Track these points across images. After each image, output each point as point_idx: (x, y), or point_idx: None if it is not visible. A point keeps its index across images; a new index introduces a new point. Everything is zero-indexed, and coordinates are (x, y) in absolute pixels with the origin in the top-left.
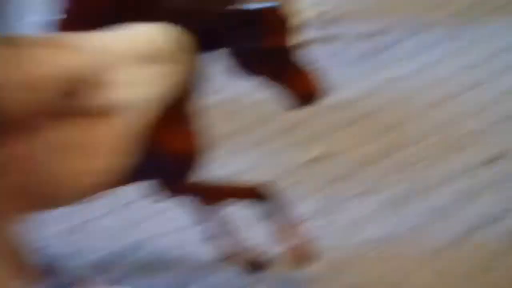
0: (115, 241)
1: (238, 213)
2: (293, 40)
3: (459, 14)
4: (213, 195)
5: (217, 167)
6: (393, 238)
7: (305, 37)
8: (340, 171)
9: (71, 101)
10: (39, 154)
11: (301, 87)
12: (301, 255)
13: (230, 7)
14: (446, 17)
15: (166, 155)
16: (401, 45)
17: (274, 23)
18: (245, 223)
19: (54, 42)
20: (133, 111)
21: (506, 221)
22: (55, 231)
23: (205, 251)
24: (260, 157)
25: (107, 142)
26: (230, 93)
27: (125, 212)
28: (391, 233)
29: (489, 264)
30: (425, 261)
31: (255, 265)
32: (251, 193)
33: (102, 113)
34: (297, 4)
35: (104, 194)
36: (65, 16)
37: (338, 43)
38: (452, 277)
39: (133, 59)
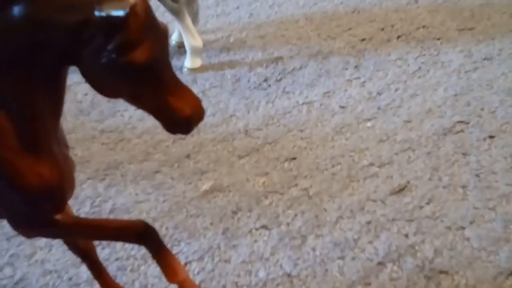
0: None
1: (134, 249)
2: (165, 53)
3: (361, 42)
4: (84, 233)
5: (106, 200)
6: (295, 276)
7: (200, 63)
8: (237, 203)
9: None
10: None
11: (182, 108)
12: None
13: (85, 15)
14: (347, 45)
15: (29, 186)
16: (304, 71)
17: (143, 32)
18: (136, 260)
19: None
20: None
21: (419, 253)
22: None
23: None
24: (152, 188)
25: None
26: (120, 119)
27: (6, 246)
28: (292, 271)
29: None
30: None
31: None
32: (126, 232)
33: None
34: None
35: None
36: None
37: (238, 68)
38: None
39: None
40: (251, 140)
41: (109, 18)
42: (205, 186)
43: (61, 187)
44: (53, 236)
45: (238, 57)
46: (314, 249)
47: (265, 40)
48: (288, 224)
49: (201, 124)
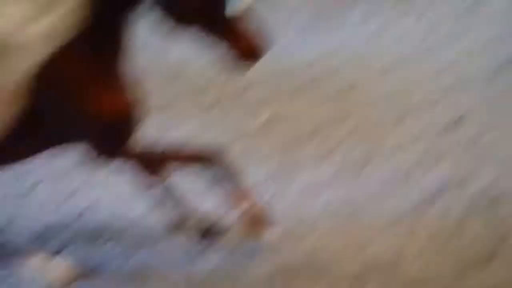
0: (56, 210)
1: (189, 179)
2: None
3: None
4: (160, 160)
5: (164, 133)
6: (351, 204)
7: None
8: (293, 135)
9: None
10: None
11: (242, 41)
12: (254, 223)
13: None
14: None
15: (93, 116)
16: (350, 11)
17: None
18: (197, 189)
19: None
20: (30, 51)
21: (469, 186)
22: None
23: (153, 219)
24: (208, 122)
25: (5, 85)
26: (176, 56)
27: (66, 180)
28: (348, 200)
29: (452, 230)
30: (387, 227)
31: (207, 233)
32: (199, 159)
33: None
34: None
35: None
36: None
37: (289, 7)
38: (416, 243)
39: None
40: (308, 72)
41: None
42: (264, 117)
43: (132, 115)
44: (124, 161)
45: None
46: (372, 177)
47: None
48: (346, 153)
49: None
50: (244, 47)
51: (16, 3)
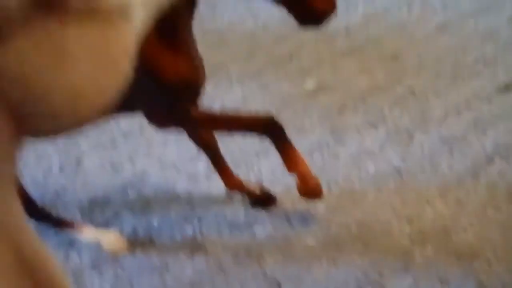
0: (112, 176)
1: (242, 145)
2: None
3: None
4: (215, 124)
5: (211, 98)
6: (399, 174)
7: None
8: (344, 101)
9: None
10: (34, 59)
11: (316, 1)
12: (307, 189)
13: None
14: None
15: (165, 78)
16: None
17: None
18: (250, 155)
19: None
20: (141, 13)
21: None
22: (44, 168)
23: (211, 184)
24: (256, 88)
25: (115, 51)
26: (221, 22)
27: (122, 145)
28: (397, 170)
29: (502, 199)
30: (436, 197)
31: (261, 200)
32: (255, 124)
33: (114, 13)
34: None
35: (102, 120)
36: None
37: None
38: (466, 214)
39: None
40: (353, 39)
41: None
42: (310, 84)
43: (197, 81)
44: (188, 127)
45: None
46: (421, 145)
47: None
48: (394, 121)
49: None
50: (319, 5)
51: None
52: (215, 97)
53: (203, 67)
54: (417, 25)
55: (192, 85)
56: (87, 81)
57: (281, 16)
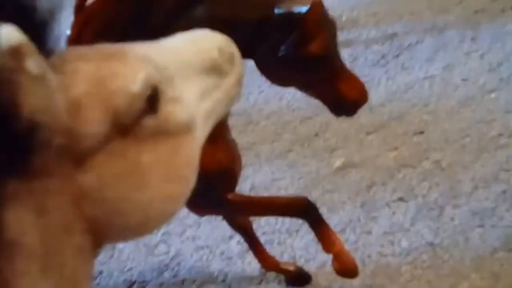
0: (146, 257)
1: (278, 224)
2: (335, 43)
3: (474, 15)
4: (251, 210)
5: (241, 179)
6: (433, 249)
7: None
8: (372, 177)
9: (150, 120)
10: (113, 181)
11: (351, 93)
12: (344, 268)
13: (266, 13)
14: (460, 17)
15: (205, 170)
16: (421, 46)
17: (318, 26)
18: (282, 233)
19: (112, 53)
20: (201, 127)
21: None
22: None
23: (245, 264)
24: (286, 167)
25: (184, 163)
26: (249, 102)
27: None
28: (433, 240)
29: None
30: (471, 272)
31: (297, 278)
32: (291, 206)
33: (179, 131)
34: None
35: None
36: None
37: (354, 47)
38: (508, 279)
39: (192, 71)
40: (377, 116)
41: (290, 14)
42: (337, 162)
43: (233, 170)
44: (225, 213)
45: (352, 36)
46: (452, 219)
47: (377, 18)
48: (424, 195)
49: None
50: (352, 96)
51: (192, 82)
52: (245, 178)
53: (239, 155)
54: (439, 101)
55: (230, 174)
56: (158, 194)
57: (305, 96)
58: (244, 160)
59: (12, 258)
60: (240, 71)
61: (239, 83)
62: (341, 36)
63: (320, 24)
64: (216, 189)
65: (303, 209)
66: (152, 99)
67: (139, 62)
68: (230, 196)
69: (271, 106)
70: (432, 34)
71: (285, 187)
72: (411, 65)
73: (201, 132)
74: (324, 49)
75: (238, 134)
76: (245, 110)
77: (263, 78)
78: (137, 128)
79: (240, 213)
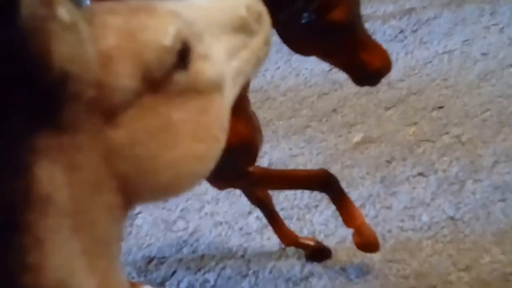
0: (165, 234)
1: (297, 199)
2: (358, 11)
3: None
4: (272, 183)
5: (263, 155)
6: (454, 224)
7: None
8: (391, 153)
9: (181, 76)
10: (144, 137)
11: (374, 62)
12: (365, 243)
13: None
14: None
15: (232, 141)
16: (439, 21)
17: None
18: (301, 209)
19: (141, 7)
20: (230, 88)
21: None
22: None
23: (264, 239)
24: (304, 143)
25: (214, 122)
26: (264, 80)
27: (174, 203)
28: (455, 215)
29: None
30: (493, 245)
31: (317, 253)
32: (312, 180)
33: (209, 90)
34: None
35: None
36: None
37: (371, 22)
38: None
39: (222, 28)
40: (395, 92)
41: None
42: (356, 138)
43: (254, 142)
44: (245, 186)
45: (369, 11)
46: (474, 193)
47: None
48: (444, 170)
49: (343, 78)
50: (377, 64)
51: (221, 40)
52: (263, 154)
53: (260, 128)
54: (459, 75)
55: (251, 146)
56: (189, 152)
57: (322, 72)
58: (264, 136)
59: (44, 214)
60: (268, 30)
61: (267, 42)
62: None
63: None
64: (236, 161)
65: (324, 182)
66: (183, 54)
67: (169, 16)
68: (250, 168)
69: (288, 82)
70: (450, 9)
71: (304, 163)
72: (429, 39)
73: (230, 92)
74: (347, 16)
75: (256, 111)
76: (262, 86)
77: (280, 54)
78: (167, 84)
79: (261, 186)
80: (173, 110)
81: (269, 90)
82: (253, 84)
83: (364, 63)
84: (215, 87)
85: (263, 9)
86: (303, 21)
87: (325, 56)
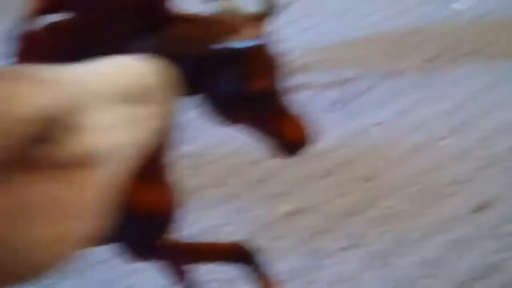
0: None
1: (217, 272)
2: (280, 82)
3: (429, 61)
4: (187, 256)
5: (188, 224)
6: None
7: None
8: (320, 224)
9: (44, 149)
10: (2, 217)
11: (291, 134)
12: None
13: (212, 46)
14: (416, 63)
15: (141, 212)
16: (373, 92)
17: (261, 63)
18: (225, 284)
19: (25, 75)
20: (114, 161)
21: (505, 271)
22: None
23: None
24: (232, 212)
25: (85, 200)
26: (198, 144)
27: (93, 273)
28: None
29: None
30: None
31: None
32: (230, 253)
33: (80, 163)
34: None
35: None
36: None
37: (308, 91)
38: None
39: (114, 98)
40: (327, 162)
41: (234, 49)
42: (285, 208)
43: (167, 212)
44: (159, 260)
45: (304, 81)
46: (401, 268)
47: (330, 63)
48: (371, 243)
49: None
50: (294, 137)
51: (115, 109)
52: (190, 223)
53: (178, 199)
54: (391, 147)
55: (164, 217)
56: (49, 233)
57: (254, 140)
58: (189, 205)
59: None
60: (176, 101)
61: (173, 114)
62: (293, 81)
63: (264, 60)
64: (147, 233)
65: (242, 255)
66: (51, 127)
67: (48, 86)
68: (164, 241)
69: (220, 150)
70: (385, 81)
71: (231, 233)
72: (362, 110)
73: (119, 165)
74: (271, 85)
75: (184, 176)
76: (194, 153)
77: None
78: (31, 158)
79: (176, 260)
80: (35, 186)
81: (201, 156)
82: (184, 150)
83: (281, 134)
84: (93, 161)
85: (173, 79)
86: (224, 89)
87: (246, 124)
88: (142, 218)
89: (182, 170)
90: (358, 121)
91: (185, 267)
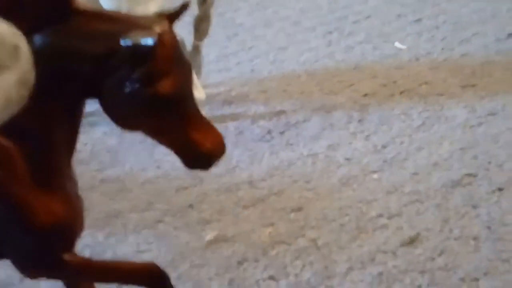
0: None
1: None
2: (189, 87)
3: (363, 98)
4: (93, 274)
5: (102, 249)
6: None
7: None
8: (244, 253)
9: None
10: None
11: (204, 144)
12: None
13: (111, 45)
14: (352, 98)
15: (36, 221)
16: (307, 125)
17: (167, 64)
18: None
19: None
20: None
21: None
22: None
23: None
24: (155, 238)
25: None
26: (124, 168)
27: None
28: None
29: None
30: None
31: None
32: (138, 275)
33: None
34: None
35: None
36: None
37: (240, 121)
38: None
39: None
40: (256, 191)
41: (136, 47)
42: (209, 236)
43: (72, 225)
44: (60, 277)
45: (240, 110)
46: None
47: (267, 95)
48: (296, 275)
49: (204, 174)
50: (209, 142)
51: None
52: (107, 248)
53: (82, 211)
54: (321, 178)
55: (68, 230)
56: None
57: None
58: (109, 230)
59: None
60: (26, 68)
61: (22, 83)
62: (228, 110)
63: (171, 60)
64: (49, 247)
65: (153, 277)
66: None
67: None
68: (67, 256)
69: (148, 174)
70: (319, 114)
71: (152, 259)
72: (296, 142)
73: None
74: (175, 89)
75: (107, 201)
76: (119, 176)
77: (142, 145)
78: None
79: (81, 277)
80: None
81: (126, 180)
82: (109, 174)
83: (195, 144)
84: None
85: (21, 43)
86: (127, 90)
87: (151, 132)
88: (45, 227)
89: (105, 194)
90: (291, 152)
91: (91, 285)
